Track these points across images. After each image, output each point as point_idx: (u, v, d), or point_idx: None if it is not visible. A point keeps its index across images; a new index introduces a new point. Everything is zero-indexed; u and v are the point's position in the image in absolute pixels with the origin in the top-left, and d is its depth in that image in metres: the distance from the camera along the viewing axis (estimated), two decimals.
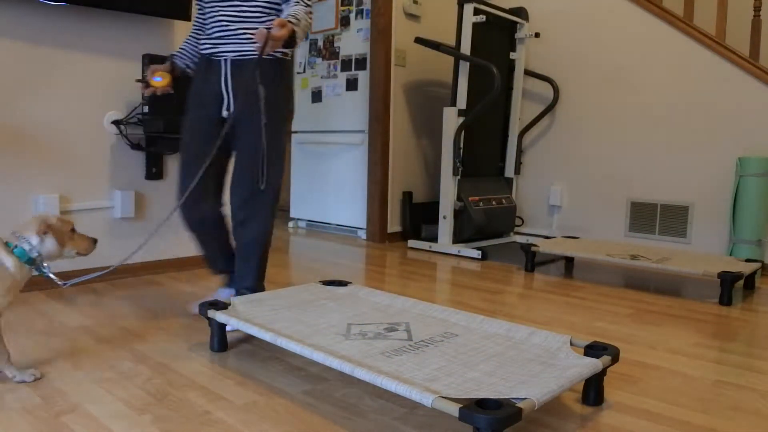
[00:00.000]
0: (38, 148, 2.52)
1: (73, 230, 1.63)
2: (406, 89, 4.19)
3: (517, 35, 4.08)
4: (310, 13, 1.99)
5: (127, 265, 2.81)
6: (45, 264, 1.57)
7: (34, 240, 1.55)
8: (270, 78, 2.02)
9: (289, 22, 1.85)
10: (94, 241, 1.69)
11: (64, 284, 1.64)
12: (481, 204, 3.83)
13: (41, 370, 1.66)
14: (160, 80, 2.09)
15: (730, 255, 3.27)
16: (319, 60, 4.51)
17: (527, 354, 1.54)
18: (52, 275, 1.59)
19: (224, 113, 2.05)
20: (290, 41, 1.89)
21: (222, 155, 2.11)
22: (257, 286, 2.14)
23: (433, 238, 3.91)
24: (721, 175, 3.46)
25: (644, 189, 3.76)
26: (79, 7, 2.56)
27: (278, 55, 2.04)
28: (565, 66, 4.10)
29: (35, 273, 1.57)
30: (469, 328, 1.76)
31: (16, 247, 1.53)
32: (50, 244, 1.56)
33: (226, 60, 2.02)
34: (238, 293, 2.12)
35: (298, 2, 1.96)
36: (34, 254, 1.55)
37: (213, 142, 2.02)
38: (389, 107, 4.07)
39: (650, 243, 3.72)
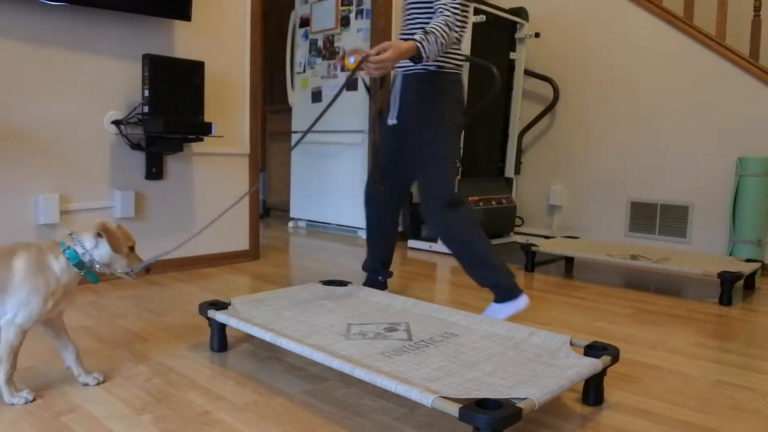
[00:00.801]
0: (38, 148, 2.52)
1: (132, 248, 1.54)
2: None
3: (517, 35, 4.08)
4: (456, 22, 1.96)
5: None
6: (98, 267, 1.49)
7: (89, 243, 1.48)
8: (420, 91, 2.14)
9: (413, 39, 1.90)
10: (148, 270, 1.57)
11: (132, 271, 1.54)
12: (481, 204, 3.83)
13: (42, 369, 1.66)
14: (352, 62, 2.11)
15: (730, 255, 3.27)
16: (319, 60, 4.51)
17: (527, 354, 1.54)
18: (124, 276, 1.53)
19: (389, 121, 2.24)
20: (417, 57, 1.92)
21: (398, 160, 2.31)
22: (493, 280, 2.11)
23: (433, 238, 3.91)
24: (721, 175, 3.46)
25: (644, 189, 3.76)
26: (79, 7, 2.56)
27: (431, 68, 2.11)
28: (565, 66, 4.09)
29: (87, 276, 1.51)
30: (469, 328, 1.76)
31: (68, 248, 1.47)
32: (103, 249, 1.48)
33: (398, 73, 2.20)
34: (497, 300, 2.14)
35: (443, 10, 1.96)
36: (87, 258, 1.47)
37: (387, 147, 2.29)
38: None
39: (650, 243, 3.72)
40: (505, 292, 2.10)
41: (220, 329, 1.85)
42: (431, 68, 2.11)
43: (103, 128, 2.70)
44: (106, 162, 2.73)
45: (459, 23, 2.01)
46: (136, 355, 1.80)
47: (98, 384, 1.58)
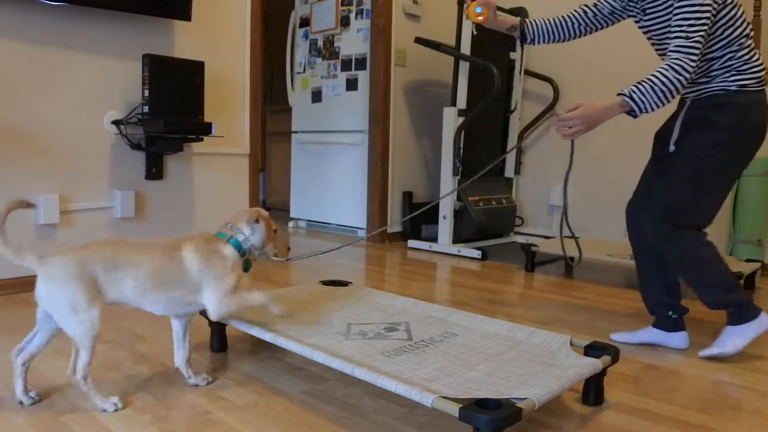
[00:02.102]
0: (38, 148, 2.52)
1: (275, 231, 1.68)
2: (406, 89, 4.19)
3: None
4: (690, 59, 1.69)
5: None
6: (256, 254, 1.63)
7: (247, 230, 1.59)
8: (706, 117, 1.83)
9: (621, 93, 1.75)
10: (288, 248, 1.73)
11: (288, 259, 1.74)
12: (481, 204, 3.83)
13: (41, 369, 1.66)
14: (479, 12, 2.02)
15: (730, 255, 3.27)
16: (319, 60, 4.51)
17: (527, 354, 1.54)
18: (274, 258, 1.67)
19: (671, 147, 1.92)
20: (631, 112, 1.76)
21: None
22: (715, 301, 1.89)
23: (433, 238, 3.91)
24: None
25: None
26: (79, 7, 2.56)
27: (731, 88, 1.79)
28: (565, 66, 4.10)
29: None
30: (469, 328, 1.76)
31: (231, 237, 1.57)
32: (259, 235, 1.60)
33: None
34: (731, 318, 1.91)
35: (678, 49, 1.71)
36: (248, 245, 1.59)
37: (658, 172, 2.01)
38: (389, 107, 4.07)
39: None
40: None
41: (220, 329, 1.85)
42: (731, 88, 1.80)
43: (103, 128, 2.71)
44: (106, 162, 2.73)
45: (697, 52, 1.70)
46: (136, 355, 1.80)
47: (207, 384, 1.59)
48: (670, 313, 1.99)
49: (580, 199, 4.07)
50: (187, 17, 2.80)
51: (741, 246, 3.25)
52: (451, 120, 3.70)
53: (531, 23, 2.15)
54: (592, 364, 1.44)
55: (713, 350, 1.89)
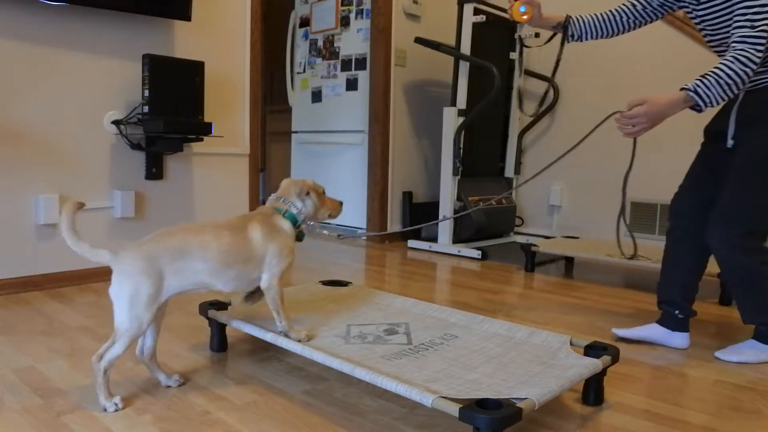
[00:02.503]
0: (38, 148, 2.52)
1: (323, 192, 1.73)
2: (406, 89, 4.19)
3: (517, 35, 4.08)
4: (752, 55, 1.64)
5: None
6: (310, 224, 1.69)
7: (299, 203, 1.64)
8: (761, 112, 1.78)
9: (684, 88, 1.70)
10: (341, 203, 1.78)
11: (339, 236, 1.83)
12: (481, 204, 3.83)
13: (42, 369, 1.66)
14: (523, 11, 1.98)
15: None
16: (319, 60, 4.51)
17: (527, 354, 1.54)
18: (326, 231, 1.75)
19: (729, 143, 1.85)
20: (695, 107, 1.71)
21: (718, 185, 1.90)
22: (758, 320, 1.86)
23: (433, 238, 3.91)
24: None
25: (644, 189, 3.76)
26: (79, 7, 2.56)
27: None
28: (565, 66, 4.09)
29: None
30: (469, 329, 1.76)
31: (286, 211, 1.63)
32: (310, 205, 1.66)
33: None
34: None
35: (743, 39, 1.66)
36: (302, 216, 1.65)
37: (708, 168, 1.94)
38: (389, 107, 4.07)
39: (650, 243, 3.71)
40: None
41: (220, 329, 1.85)
42: None
43: (103, 128, 2.70)
44: (106, 162, 2.73)
45: (763, 41, 1.64)
46: (136, 355, 1.80)
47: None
48: (677, 312, 1.98)
49: (579, 199, 4.07)
50: (187, 17, 2.80)
51: None
52: (451, 120, 3.70)
53: (577, 20, 2.11)
54: (592, 364, 1.44)
55: (733, 357, 1.88)
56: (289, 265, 1.60)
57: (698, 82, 1.70)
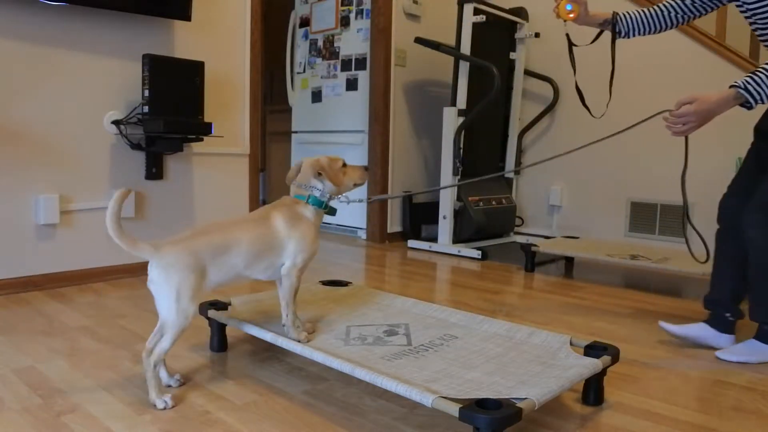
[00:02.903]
0: (38, 148, 2.52)
1: (344, 164, 1.72)
2: (406, 89, 4.19)
3: (517, 35, 4.08)
4: None
5: (127, 265, 2.81)
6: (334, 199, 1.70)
7: (318, 184, 1.66)
8: None
9: (734, 85, 1.68)
10: (366, 168, 1.77)
11: (370, 200, 1.86)
12: (481, 204, 3.83)
13: (40, 369, 1.66)
14: (569, 9, 1.95)
15: None
16: (319, 60, 4.51)
17: (527, 354, 1.54)
18: (346, 200, 1.76)
19: None
20: (746, 104, 1.69)
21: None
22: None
23: (433, 238, 3.91)
24: (721, 175, 3.46)
25: (644, 189, 3.76)
26: (79, 7, 2.56)
27: None
28: (565, 66, 4.09)
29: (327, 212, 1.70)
30: (469, 329, 1.76)
31: (309, 197, 1.64)
32: (329, 184, 1.67)
33: None
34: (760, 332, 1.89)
35: None
36: (325, 197, 1.66)
37: (759, 166, 1.92)
38: (389, 107, 4.07)
39: (650, 243, 3.72)
40: None
41: (220, 329, 1.85)
42: None
43: (103, 128, 2.70)
44: (106, 162, 2.73)
45: None
46: (136, 355, 1.80)
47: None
48: (728, 315, 1.97)
49: (579, 199, 4.07)
50: (187, 17, 2.80)
51: None
52: (451, 120, 3.70)
53: (624, 17, 2.08)
54: (592, 364, 1.44)
55: (733, 357, 1.87)
56: (312, 254, 1.62)
57: (748, 79, 1.69)
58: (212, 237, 1.50)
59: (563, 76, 4.10)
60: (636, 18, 2.07)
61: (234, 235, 1.53)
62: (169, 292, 1.42)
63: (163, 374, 1.57)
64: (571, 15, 1.97)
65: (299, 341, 1.59)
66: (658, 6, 2.06)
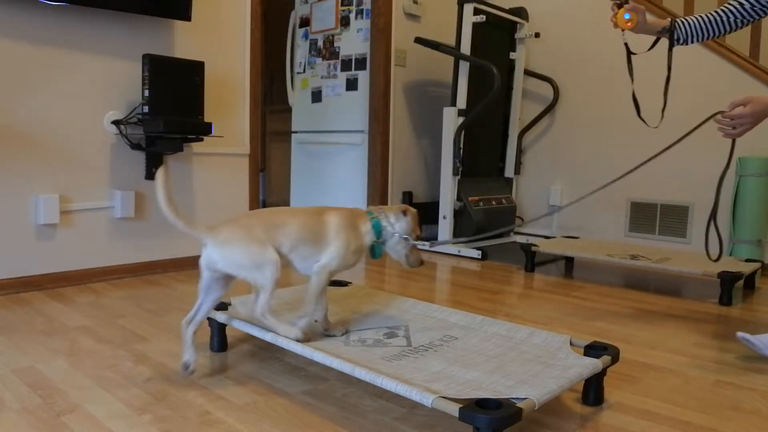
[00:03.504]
0: (38, 148, 2.52)
1: (418, 237, 1.74)
2: (406, 89, 4.19)
3: (517, 35, 4.08)
4: None
5: (127, 265, 2.81)
6: (381, 246, 1.71)
7: (392, 218, 1.69)
8: None
9: None
10: (422, 262, 1.78)
11: (431, 245, 1.92)
12: (481, 204, 3.83)
13: (41, 369, 1.66)
14: (627, 18, 1.90)
15: (730, 255, 3.27)
16: (319, 60, 4.51)
17: (527, 354, 1.54)
18: (401, 259, 1.73)
19: None
20: None
21: None
22: None
23: (433, 238, 3.91)
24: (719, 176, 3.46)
25: (644, 189, 3.76)
26: (79, 7, 2.56)
27: None
28: (565, 66, 4.09)
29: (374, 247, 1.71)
30: (469, 329, 1.76)
31: (374, 218, 1.68)
32: (400, 227, 1.69)
33: None
34: None
35: None
36: (388, 230, 1.68)
37: None
38: (389, 107, 4.07)
39: (650, 243, 3.72)
40: None
41: (220, 329, 1.85)
42: None
43: (103, 128, 2.70)
44: (106, 162, 2.73)
45: None
46: (136, 355, 1.80)
47: (343, 335, 1.67)
48: None
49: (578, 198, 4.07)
50: (187, 17, 2.80)
51: (741, 246, 3.25)
52: (451, 120, 3.70)
53: (683, 23, 2.04)
54: (592, 364, 1.44)
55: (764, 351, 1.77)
56: (346, 265, 1.65)
57: None
58: (264, 216, 1.60)
59: (563, 76, 4.10)
60: (695, 24, 2.03)
61: (285, 217, 1.61)
62: (243, 263, 1.51)
63: (189, 351, 1.59)
64: (629, 24, 1.92)
65: (298, 340, 1.58)
66: (717, 11, 2.01)
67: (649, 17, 2.01)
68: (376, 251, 1.71)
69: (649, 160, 2.04)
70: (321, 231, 1.62)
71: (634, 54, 2.09)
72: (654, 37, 2.11)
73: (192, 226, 1.51)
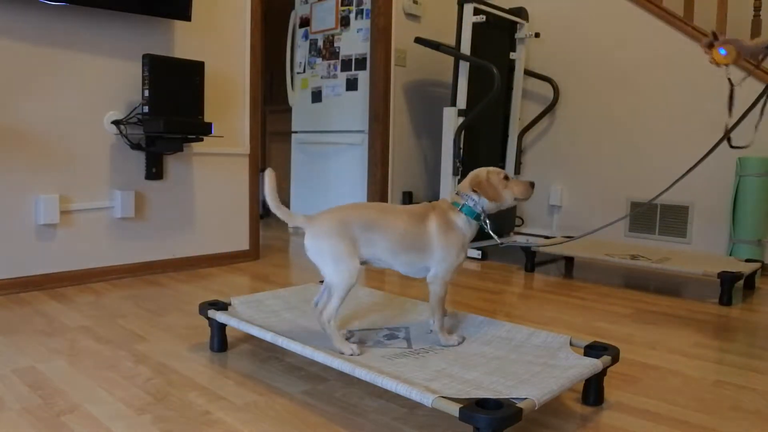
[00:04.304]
0: (38, 148, 2.52)
1: (506, 177, 1.68)
2: (406, 89, 4.19)
3: (517, 35, 4.08)
4: None
5: (127, 265, 2.81)
6: (486, 220, 1.66)
7: (474, 195, 1.64)
8: None
9: None
10: (532, 184, 1.73)
11: (501, 244, 1.80)
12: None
13: (41, 369, 1.66)
14: (724, 54, 1.84)
15: (730, 255, 3.27)
16: (319, 60, 4.51)
17: (527, 355, 1.54)
18: (491, 233, 1.66)
19: None
20: None
21: None
22: None
23: None
24: (721, 175, 3.46)
25: (644, 189, 3.76)
26: (79, 7, 2.56)
27: None
28: (565, 66, 4.09)
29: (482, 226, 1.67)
30: (469, 330, 1.76)
31: (463, 206, 1.63)
32: (485, 197, 1.63)
33: None
34: None
35: None
36: (478, 209, 1.64)
37: None
38: (389, 107, 4.07)
39: (650, 243, 3.71)
40: None
41: (220, 329, 1.85)
42: None
43: (103, 128, 2.70)
44: (106, 162, 2.73)
45: None
46: (136, 355, 1.80)
47: (460, 344, 1.65)
48: None
49: (579, 199, 4.07)
50: (187, 17, 2.80)
51: (741, 246, 3.25)
52: (451, 120, 3.70)
53: None
54: (592, 364, 1.44)
55: None
56: (456, 265, 1.62)
57: None
58: (363, 212, 1.58)
59: (563, 76, 4.10)
60: None
61: (386, 218, 1.58)
62: (325, 257, 1.54)
63: (345, 345, 1.59)
64: (728, 59, 1.86)
65: (451, 344, 1.60)
66: None
67: (747, 40, 1.91)
68: (484, 228, 1.66)
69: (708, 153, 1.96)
70: (423, 238, 1.60)
71: (735, 86, 1.98)
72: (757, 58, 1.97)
73: (292, 217, 1.58)
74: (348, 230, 1.55)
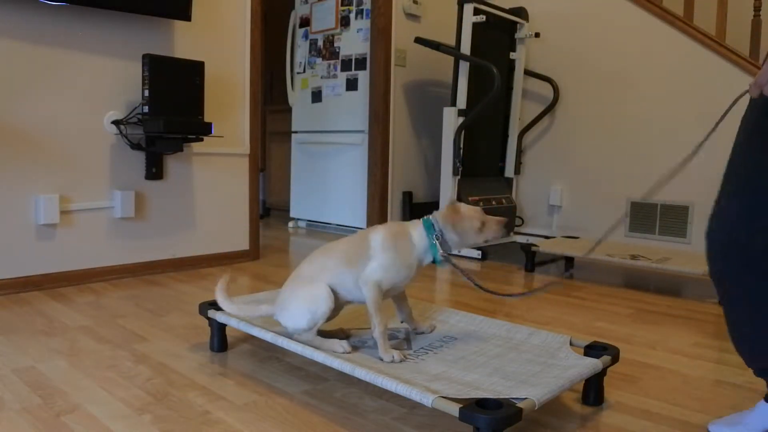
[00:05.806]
0: (38, 148, 2.52)
1: (483, 223, 1.61)
2: (406, 89, 4.19)
3: (517, 35, 4.08)
4: None
5: (127, 265, 2.81)
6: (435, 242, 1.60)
7: (442, 224, 1.60)
8: None
9: None
10: (507, 224, 1.67)
11: (506, 296, 1.94)
12: (481, 204, 3.82)
13: (42, 369, 1.66)
14: None
15: None
16: (319, 60, 4.51)
17: (527, 354, 1.54)
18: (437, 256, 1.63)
19: None
20: None
21: None
22: None
23: None
24: (721, 175, 3.44)
25: (644, 189, 3.76)
26: (79, 7, 2.56)
27: None
28: (565, 66, 4.09)
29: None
30: (468, 330, 1.76)
31: (426, 218, 1.63)
32: (449, 232, 1.60)
33: None
34: None
35: None
36: (436, 229, 1.59)
37: None
38: (389, 107, 4.07)
39: (650, 243, 3.71)
40: None
41: (220, 329, 1.85)
42: None
43: (103, 128, 2.70)
44: (106, 162, 2.73)
45: None
46: (136, 355, 1.80)
47: (432, 331, 1.74)
48: None
49: (579, 199, 4.07)
50: (187, 17, 2.80)
51: None
52: (451, 120, 3.70)
53: None
54: (592, 364, 1.44)
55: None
56: (398, 268, 1.58)
57: None
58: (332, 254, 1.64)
59: (563, 76, 4.10)
60: None
61: (334, 247, 1.65)
62: (299, 303, 1.59)
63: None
64: None
65: (388, 361, 1.50)
66: None
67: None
68: (436, 259, 1.63)
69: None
70: (363, 245, 1.61)
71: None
72: None
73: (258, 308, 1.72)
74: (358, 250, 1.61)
